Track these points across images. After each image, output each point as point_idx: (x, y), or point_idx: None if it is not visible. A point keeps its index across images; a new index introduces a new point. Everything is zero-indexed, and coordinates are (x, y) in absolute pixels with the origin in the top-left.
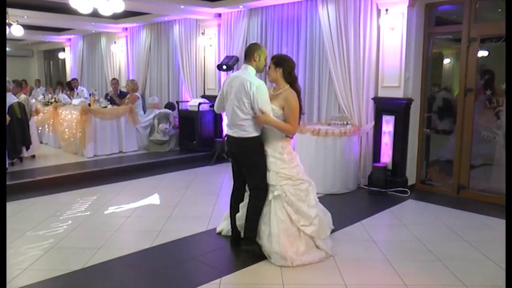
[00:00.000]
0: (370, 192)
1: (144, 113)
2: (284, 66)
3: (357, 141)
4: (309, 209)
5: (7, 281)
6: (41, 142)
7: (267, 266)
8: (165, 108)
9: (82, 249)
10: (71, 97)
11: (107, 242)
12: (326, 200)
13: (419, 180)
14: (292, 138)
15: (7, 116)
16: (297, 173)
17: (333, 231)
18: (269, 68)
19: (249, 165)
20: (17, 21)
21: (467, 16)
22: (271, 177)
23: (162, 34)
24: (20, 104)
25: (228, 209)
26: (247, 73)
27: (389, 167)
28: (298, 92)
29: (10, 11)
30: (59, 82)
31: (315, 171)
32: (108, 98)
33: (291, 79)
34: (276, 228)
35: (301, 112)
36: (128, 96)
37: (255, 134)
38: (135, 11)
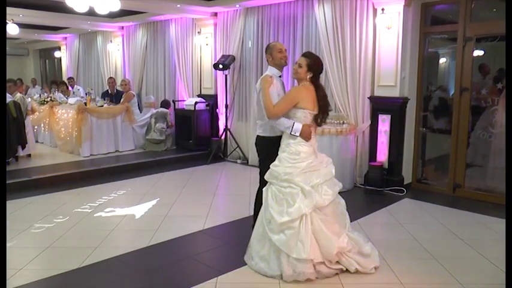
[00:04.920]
0: (367, 191)
1: (140, 112)
2: (315, 71)
3: (353, 140)
4: (282, 215)
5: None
6: (37, 141)
7: None
8: (160, 106)
9: (78, 249)
10: (67, 96)
11: (103, 242)
12: None
13: (416, 179)
14: (298, 136)
15: None
16: (287, 174)
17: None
18: (299, 66)
19: (259, 161)
20: (12, 19)
21: (463, 16)
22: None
23: (158, 33)
24: (15, 103)
25: None
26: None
27: (386, 166)
28: (322, 90)
29: None
30: (53, 81)
31: None
32: (108, 101)
33: (315, 80)
34: (256, 223)
35: (327, 109)
36: (123, 95)
37: (265, 133)
38: (131, 10)
